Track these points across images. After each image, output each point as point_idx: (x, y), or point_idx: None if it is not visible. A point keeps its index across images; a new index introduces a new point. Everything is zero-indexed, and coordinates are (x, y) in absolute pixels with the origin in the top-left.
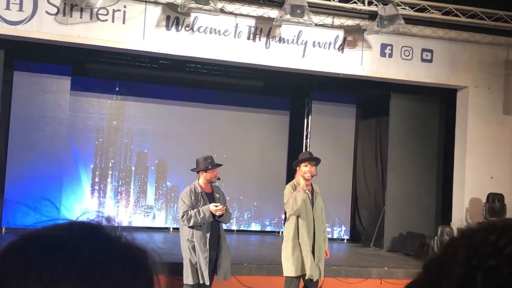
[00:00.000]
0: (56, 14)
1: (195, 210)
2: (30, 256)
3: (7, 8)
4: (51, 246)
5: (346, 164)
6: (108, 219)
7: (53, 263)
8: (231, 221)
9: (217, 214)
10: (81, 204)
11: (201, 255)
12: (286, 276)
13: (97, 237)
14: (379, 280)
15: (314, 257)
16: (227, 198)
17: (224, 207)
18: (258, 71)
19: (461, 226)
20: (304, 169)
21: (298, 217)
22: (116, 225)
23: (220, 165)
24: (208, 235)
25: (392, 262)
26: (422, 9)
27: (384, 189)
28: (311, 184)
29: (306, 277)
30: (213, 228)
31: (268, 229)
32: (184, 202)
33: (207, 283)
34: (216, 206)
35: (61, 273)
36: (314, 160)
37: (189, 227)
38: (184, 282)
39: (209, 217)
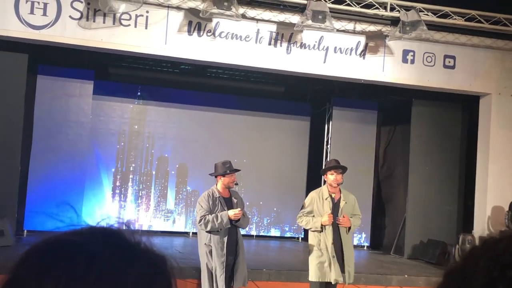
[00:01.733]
0: (80, 19)
1: (213, 215)
2: (49, 261)
3: (31, 12)
4: (70, 251)
5: (367, 171)
6: (128, 224)
7: (71, 268)
8: (250, 226)
9: (234, 219)
10: (102, 208)
11: (217, 260)
12: (310, 281)
13: (116, 243)
14: (399, 287)
15: (343, 264)
16: (247, 203)
17: (241, 212)
18: (279, 76)
19: (483, 234)
20: (330, 178)
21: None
22: (135, 230)
23: (238, 170)
24: (225, 239)
25: (413, 269)
26: (445, 15)
27: (405, 196)
28: (340, 191)
29: (328, 281)
30: (231, 233)
31: (288, 235)
32: (201, 206)
33: None
34: (233, 212)
35: (79, 279)
36: (341, 168)
37: (206, 231)
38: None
39: (227, 222)
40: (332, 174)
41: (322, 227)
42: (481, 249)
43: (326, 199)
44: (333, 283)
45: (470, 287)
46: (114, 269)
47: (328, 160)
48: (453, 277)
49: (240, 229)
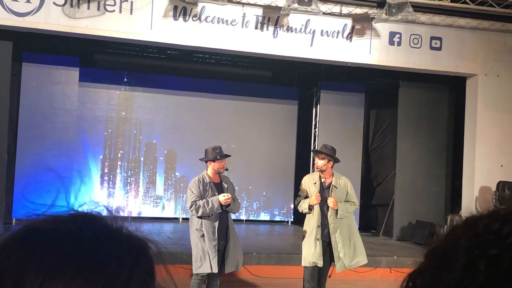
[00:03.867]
0: (64, 5)
1: (203, 200)
2: (29, 248)
3: None
4: (51, 237)
5: (355, 153)
6: (110, 209)
7: (52, 255)
8: (240, 211)
9: (224, 204)
10: (91, 195)
11: (209, 243)
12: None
13: (97, 228)
14: (389, 269)
15: (331, 249)
16: (236, 188)
17: (231, 196)
18: (266, 60)
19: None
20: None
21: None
22: (117, 215)
23: (229, 155)
24: (216, 224)
25: (402, 251)
26: None
27: (393, 178)
28: (332, 175)
29: (311, 264)
30: (222, 218)
31: (277, 218)
32: (192, 192)
33: (215, 270)
34: (224, 197)
35: (60, 265)
36: (321, 153)
37: (197, 217)
38: (194, 272)
39: (218, 207)
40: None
41: (311, 208)
42: (462, 228)
43: (315, 183)
44: (309, 265)
45: (451, 266)
46: (95, 255)
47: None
48: (434, 257)
49: (230, 214)
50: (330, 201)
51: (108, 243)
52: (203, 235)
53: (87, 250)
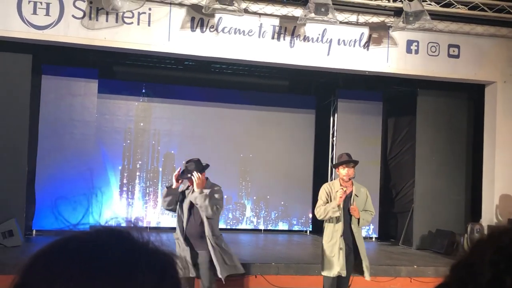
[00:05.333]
0: (82, 18)
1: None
2: (58, 264)
3: (34, 13)
4: (79, 253)
5: (373, 162)
6: (135, 224)
7: (80, 270)
8: (257, 220)
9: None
10: (110, 206)
11: (178, 249)
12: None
13: (124, 243)
14: (409, 278)
15: (359, 257)
16: (254, 197)
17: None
18: (283, 70)
19: (491, 223)
20: (342, 172)
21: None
22: (143, 229)
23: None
24: (184, 231)
25: (421, 260)
26: (448, 4)
27: (412, 187)
28: (352, 185)
29: (335, 275)
30: (191, 224)
31: (296, 228)
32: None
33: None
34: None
35: (87, 279)
36: (352, 162)
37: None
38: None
39: (175, 193)
40: (344, 168)
41: (336, 218)
42: (487, 242)
43: (337, 192)
44: (333, 275)
45: (477, 280)
46: (123, 270)
47: (338, 153)
48: (459, 271)
49: (208, 222)
50: (353, 210)
51: (135, 258)
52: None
53: (113, 264)
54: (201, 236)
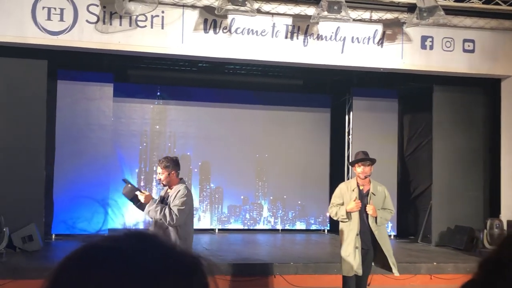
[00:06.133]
0: (96, 22)
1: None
2: (88, 268)
3: (48, 19)
4: (107, 257)
5: (390, 159)
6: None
7: (110, 274)
8: (275, 220)
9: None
10: (128, 209)
11: None
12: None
13: (152, 247)
14: (429, 275)
15: (383, 255)
16: (270, 197)
17: (145, 193)
18: (297, 69)
19: (511, 218)
20: (358, 170)
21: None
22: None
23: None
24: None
25: (441, 257)
26: None
27: (430, 183)
28: (370, 183)
29: (351, 274)
30: (157, 229)
31: (313, 227)
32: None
33: None
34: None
35: (116, 284)
36: (369, 161)
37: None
38: None
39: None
40: (360, 166)
41: (349, 216)
42: None
43: (353, 190)
44: (349, 274)
45: (506, 276)
46: (152, 273)
47: (355, 151)
48: (488, 267)
49: (171, 228)
50: (369, 208)
51: (162, 261)
52: None
53: (142, 268)
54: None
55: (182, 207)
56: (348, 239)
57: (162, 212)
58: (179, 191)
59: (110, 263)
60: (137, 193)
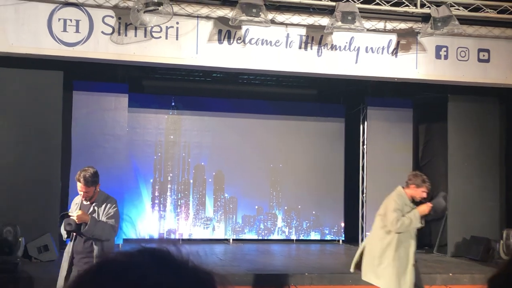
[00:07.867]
0: (112, 33)
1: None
2: (103, 284)
3: (64, 30)
4: (123, 273)
5: (404, 170)
6: (175, 243)
7: None
8: (289, 230)
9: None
10: (143, 219)
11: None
12: None
13: (165, 263)
14: (444, 286)
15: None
16: (285, 207)
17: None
18: (311, 79)
19: None
20: (422, 194)
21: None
22: (183, 249)
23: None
24: (70, 250)
25: (457, 268)
26: (477, 9)
27: (445, 194)
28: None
29: None
30: (79, 240)
31: (328, 237)
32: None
33: None
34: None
35: None
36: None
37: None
38: None
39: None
40: (424, 191)
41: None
42: None
43: (406, 204)
44: None
45: None
46: None
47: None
48: (498, 283)
49: (98, 243)
50: None
51: (176, 277)
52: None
53: (156, 284)
54: (88, 252)
55: (115, 227)
56: (403, 255)
57: (99, 227)
58: (109, 205)
59: (125, 278)
60: (71, 215)
